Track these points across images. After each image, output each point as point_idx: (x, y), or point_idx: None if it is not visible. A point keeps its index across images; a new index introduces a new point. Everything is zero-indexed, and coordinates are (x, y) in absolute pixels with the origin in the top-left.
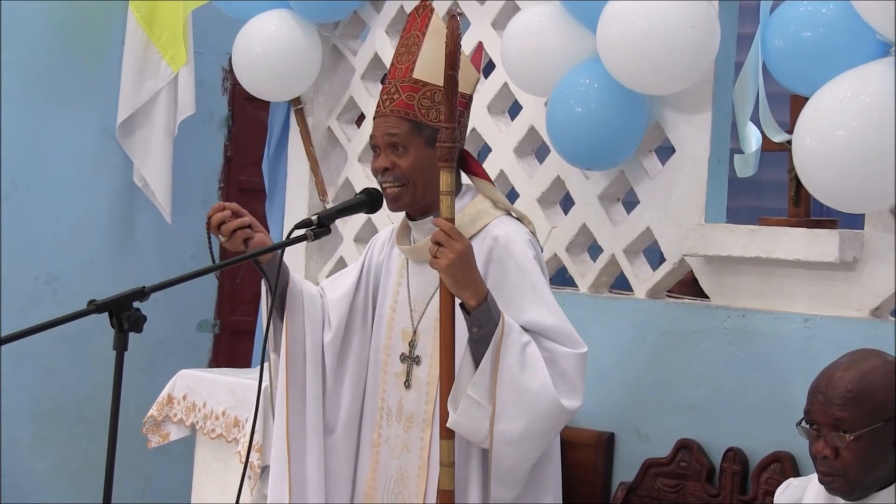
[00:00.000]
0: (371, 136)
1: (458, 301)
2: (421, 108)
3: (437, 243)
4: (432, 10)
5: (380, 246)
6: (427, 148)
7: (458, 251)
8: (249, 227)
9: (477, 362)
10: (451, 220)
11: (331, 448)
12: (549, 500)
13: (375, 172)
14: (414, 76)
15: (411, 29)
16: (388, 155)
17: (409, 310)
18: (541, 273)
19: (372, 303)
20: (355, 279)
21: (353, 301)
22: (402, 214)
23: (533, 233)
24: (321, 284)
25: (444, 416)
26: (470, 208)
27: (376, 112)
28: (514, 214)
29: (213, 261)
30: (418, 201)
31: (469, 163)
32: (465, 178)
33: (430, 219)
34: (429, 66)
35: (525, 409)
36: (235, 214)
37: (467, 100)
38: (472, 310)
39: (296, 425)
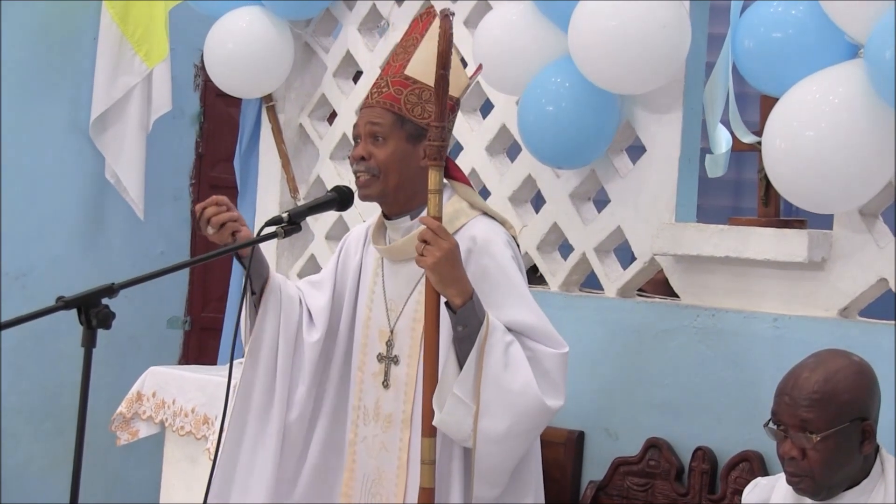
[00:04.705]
0: (354, 127)
1: (442, 300)
2: (407, 104)
3: (424, 241)
4: (435, 15)
5: (354, 244)
6: (407, 143)
7: (444, 249)
8: (237, 220)
9: (461, 361)
10: (439, 219)
11: (308, 450)
12: (531, 500)
13: (351, 162)
14: (406, 73)
15: (412, 32)
16: (367, 145)
17: (385, 309)
18: (519, 273)
19: (352, 303)
20: (331, 286)
21: (333, 306)
22: (373, 213)
23: (514, 237)
24: (298, 284)
25: (427, 414)
26: (447, 208)
27: (363, 104)
28: (490, 215)
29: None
30: (389, 195)
31: (449, 166)
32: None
33: (407, 219)
34: (422, 66)
35: (508, 408)
36: (227, 207)
37: (454, 102)
38: (457, 308)
39: (252, 419)
